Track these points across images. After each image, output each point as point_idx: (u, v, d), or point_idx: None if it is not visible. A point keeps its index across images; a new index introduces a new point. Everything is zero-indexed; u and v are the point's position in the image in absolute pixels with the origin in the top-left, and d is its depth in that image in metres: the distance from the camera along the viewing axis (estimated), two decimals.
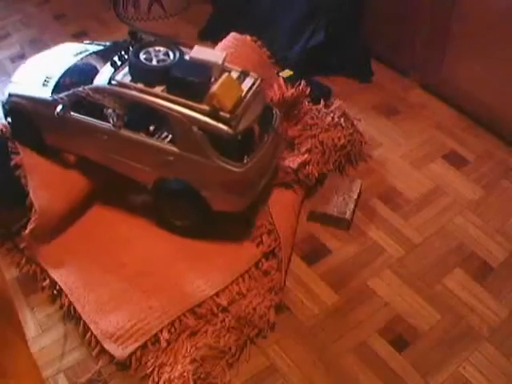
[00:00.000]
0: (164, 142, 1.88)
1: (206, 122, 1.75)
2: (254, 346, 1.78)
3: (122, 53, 1.92)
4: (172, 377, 1.65)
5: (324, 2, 2.83)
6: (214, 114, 1.74)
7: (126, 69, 1.87)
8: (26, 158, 2.04)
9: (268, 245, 1.98)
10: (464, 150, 2.50)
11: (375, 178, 2.37)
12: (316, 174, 2.23)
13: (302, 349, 1.77)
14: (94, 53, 2.15)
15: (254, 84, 1.88)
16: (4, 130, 2.11)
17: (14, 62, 3.10)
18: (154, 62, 1.85)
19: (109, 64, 1.92)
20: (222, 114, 1.74)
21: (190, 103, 1.76)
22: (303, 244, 2.10)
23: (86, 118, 1.94)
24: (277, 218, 2.02)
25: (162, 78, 1.80)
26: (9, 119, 2.14)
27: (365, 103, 2.75)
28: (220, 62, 1.84)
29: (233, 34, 2.55)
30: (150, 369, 1.69)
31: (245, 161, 1.81)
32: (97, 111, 1.91)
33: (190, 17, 3.43)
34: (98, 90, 1.88)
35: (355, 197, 2.20)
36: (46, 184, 2.01)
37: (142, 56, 1.85)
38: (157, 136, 1.91)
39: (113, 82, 1.85)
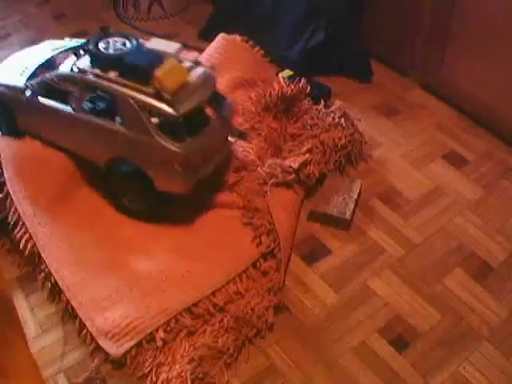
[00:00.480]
0: (114, 124, 1.98)
1: (150, 104, 1.87)
2: (254, 346, 1.78)
3: (87, 45, 2.07)
4: (170, 376, 1.65)
5: (324, 2, 2.83)
6: (158, 95, 1.85)
7: (87, 57, 2.03)
8: (2, 146, 2.11)
9: (267, 245, 1.98)
10: (464, 150, 2.50)
11: (375, 177, 2.37)
12: (317, 174, 2.23)
13: (301, 349, 1.77)
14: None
15: (203, 72, 1.99)
16: None
17: None
18: (111, 51, 1.99)
19: (73, 54, 2.13)
20: (165, 95, 1.84)
21: (138, 86, 1.89)
22: (303, 244, 2.10)
23: (50, 102, 2.10)
24: (277, 218, 2.02)
25: (116, 64, 1.95)
26: None
27: (365, 103, 2.75)
28: (172, 51, 1.97)
29: (222, 35, 2.56)
30: (148, 368, 1.68)
31: (186, 142, 1.90)
32: (63, 97, 2.08)
33: (190, 17, 3.43)
34: (60, 76, 2.06)
35: (355, 197, 2.20)
36: (22, 171, 2.07)
37: (101, 45, 2.00)
38: (109, 119, 2.02)
39: (73, 69, 2.02)
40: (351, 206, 2.16)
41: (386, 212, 2.22)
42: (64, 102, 2.07)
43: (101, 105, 2.04)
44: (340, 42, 2.85)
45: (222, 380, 1.68)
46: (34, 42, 3.24)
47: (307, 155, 2.23)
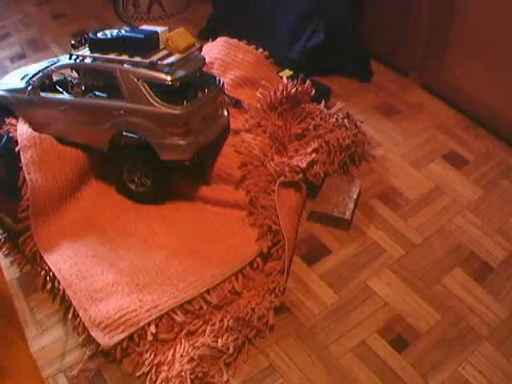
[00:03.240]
0: (116, 100, 2.07)
1: (148, 74, 1.99)
2: (253, 346, 1.77)
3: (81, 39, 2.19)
4: (169, 376, 1.65)
5: (324, 2, 2.83)
6: (154, 67, 1.98)
7: (86, 47, 2.14)
8: (19, 139, 2.15)
9: (269, 245, 1.98)
10: (464, 150, 2.50)
11: (375, 177, 2.37)
12: (322, 174, 2.24)
13: (301, 349, 1.77)
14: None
15: (193, 51, 2.11)
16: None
17: (13, 62, 3.10)
18: (109, 36, 2.10)
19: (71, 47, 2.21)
20: (160, 64, 1.97)
21: (135, 59, 2.01)
22: (303, 244, 2.10)
23: (51, 94, 2.18)
24: (283, 219, 2.02)
25: (115, 45, 2.06)
26: None
27: (365, 103, 2.75)
28: (162, 31, 2.10)
29: (224, 39, 2.57)
30: (148, 367, 1.69)
31: (184, 105, 2.01)
32: (63, 90, 2.19)
33: (190, 17, 3.43)
34: (60, 66, 2.16)
35: (355, 197, 2.20)
36: (40, 160, 2.12)
37: (99, 34, 2.11)
38: (110, 97, 2.11)
39: (72, 56, 2.11)
40: (351, 206, 2.16)
41: (386, 212, 2.22)
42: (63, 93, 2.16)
43: (101, 85, 2.14)
44: (340, 42, 2.85)
45: (221, 380, 1.68)
46: (34, 41, 3.26)
47: (314, 155, 2.24)
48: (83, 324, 1.77)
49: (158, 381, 1.65)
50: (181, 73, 2.00)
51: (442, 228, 2.16)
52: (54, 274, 1.92)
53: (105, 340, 1.72)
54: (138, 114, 2.03)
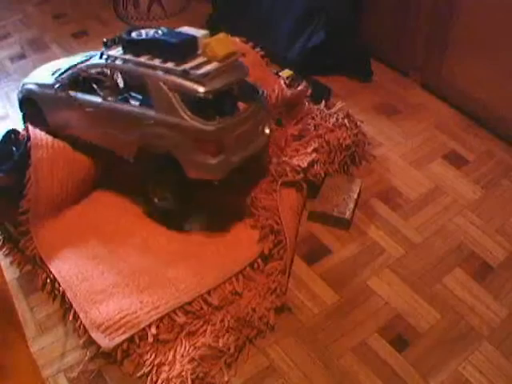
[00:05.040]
0: (144, 109, 1.96)
1: (179, 83, 1.84)
2: (254, 346, 1.77)
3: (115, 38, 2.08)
4: (170, 376, 1.66)
5: (324, 1, 2.83)
6: (187, 75, 1.83)
7: (119, 47, 2.02)
8: (32, 137, 2.09)
9: (270, 246, 1.98)
10: (464, 150, 2.50)
11: (375, 177, 2.37)
12: (322, 174, 2.24)
13: (301, 348, 1.77)
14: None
15: (235, 59, 1.96)
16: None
17: (13, 62, 3.10)
18: (144, 37, 1.98)
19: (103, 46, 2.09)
20: (193, 73, 1.82)
21: (167, 66, 1.86)
22: (303, 244, 2.09)
23: (80, 94, 2.09)
24: (285, 219, 2.01)
25: (148, 47, 1.93)
26: (22, 107, 2.36)
27: (365, 103, 2.75)
28: (201, 35, 1.95)
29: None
30: (149, 368, 1.69)
31: (216, 120, 1.86)
32: (92, 90, 2.08)
33: (190, 17, 3.43)
34: (90, 65, 2.06)
35: (355, 196, 2.20)
36: (49, 162, 2.07)
37: (134, 34, 1.99)
38: (139, 105, 2.01)
39: (103, 56, 2.01)
40: (351, 205, 2.16)
41: (386, 212, 2.22)
42: (92, 93, 2.06)
43: (130, 91, 2.03)
44: (340, 42, 2.85)
45: (222, 380, 1.68)
46: (34, 41, 3.26)
47: (314, 155, 2.24)
48: (84, 326, 1.77)
49: (159, 381, 1.66)
50: (216, 84, 1.84)
51: (442, 228, 2.16)
52: (54, 275, 1.91)
53: (105, 342, 1.72)
54: (167, 125, 1.88)
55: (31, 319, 1.85)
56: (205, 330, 1.77)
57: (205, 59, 1.88)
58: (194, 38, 1.90)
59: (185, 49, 1.87)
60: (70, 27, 3.37)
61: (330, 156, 2.31)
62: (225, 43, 1.90)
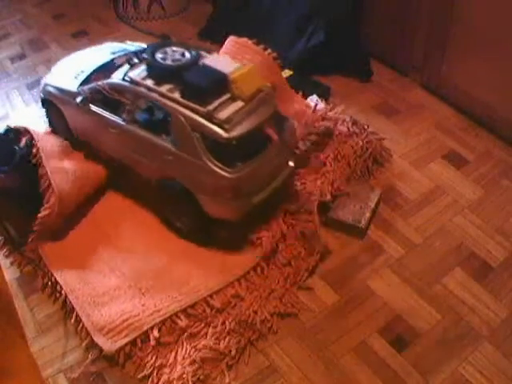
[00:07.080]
0: (165, 141, 1.90)
1: (202, 124, 1.78)
2: (254, 347, 1.77)
3: (141, 53, 2.01)
4: (171, 378, 1.66)
5: (324, 1, 2.83)
6: (210, 117, 1.77)
7: (143, 67, 1.95)
8: (42, 146, 2.06)
9: (271, 247, 1.98)
10: (464, 149, 2.50)
11: (375, 177, 2.37)
12: (344, 188, 2.21)
13: (301, 349, 1.77)
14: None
15: (262, 91, 1.89)
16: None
17: (13, 62, 3.10)
18: (169, 62, 1.91)
19: (126, 62, 2.03)
20: (217, 117, 1.77)
21: (191, 105, 1.80)
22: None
23: (101, 110, 2.04)
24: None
25: (171, 77, 1.87)
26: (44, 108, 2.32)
27: (365, 103, 2.75)
28: (231, 71, 1.85)
29: (233, 38, 2.54)
30: (150, 370, 1.69)
31: (237, 167, 1.81)
32: (115, 106, 2.01)
33: (190, 17, 3.43)
34: (111, 85, 1.98)
35: (372, 206, 2.15)
36: (62, 170, 2.05)
37: (159, 55, 1.93)
38: (163, 135, 1.93)
39: (125, 78, 1.94)
40: (367, 214, 2.12)
41: (386, 212, 2.22)
42: (115, 111, 2.00)
43: (152, 119, 1.97)
44: (340, 42, 2.85)
45: (223, 382, 1.68)
46: (34, 41, 3.25)
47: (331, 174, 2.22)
48: (86, 329, 1.77)
49: (160, 383, 1.66)
50: (240, 129, 1.77)
51: (442, 228, 2.15)
52: (55, 278, 1.91)
53: (108, 345, 1.71)
54: (185, 163, 1.84)
55: (31, 319, 1.85)
56: (206, 333, 1.77)
57: (230, 97, 1.82)
58: (222, 79, 1.82)
59: (212, 91, 1.81)
60: (70, 27, 3.37)
61: (350, 167, 2.29)
62: (252, 78, 1.82)
